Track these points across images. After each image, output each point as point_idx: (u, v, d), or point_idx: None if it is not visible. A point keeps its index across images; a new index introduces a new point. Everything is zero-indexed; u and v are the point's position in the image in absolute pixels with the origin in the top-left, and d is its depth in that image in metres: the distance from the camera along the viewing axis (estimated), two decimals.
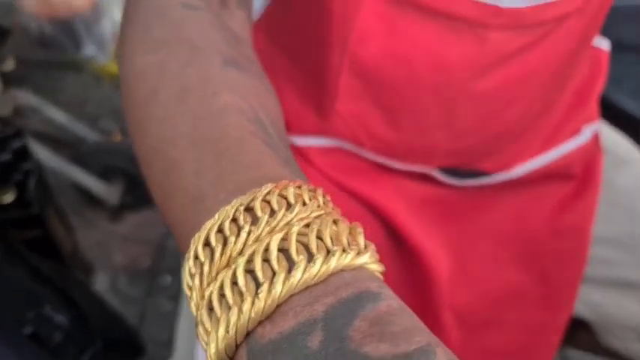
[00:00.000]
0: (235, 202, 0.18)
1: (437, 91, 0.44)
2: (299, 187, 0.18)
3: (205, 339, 0.16)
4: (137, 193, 1.18)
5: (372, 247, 0.17)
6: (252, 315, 0.15)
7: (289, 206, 0.17)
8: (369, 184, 0.52)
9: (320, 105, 0.48)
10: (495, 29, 0.40)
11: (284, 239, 0.16)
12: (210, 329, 0.15)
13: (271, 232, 0.16)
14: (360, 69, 0.43)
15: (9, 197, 0.77)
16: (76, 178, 1.08)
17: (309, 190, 0.18)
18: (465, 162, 0.53)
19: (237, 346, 0.15)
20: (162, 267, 1.13)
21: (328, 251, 0.16)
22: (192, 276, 0.17)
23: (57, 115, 1.11)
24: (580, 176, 0.56)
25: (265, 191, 0.18)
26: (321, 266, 0.15)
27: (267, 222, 0.16)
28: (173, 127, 0.24)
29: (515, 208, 0.56)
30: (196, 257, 0.17)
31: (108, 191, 1.14)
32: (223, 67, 0.28)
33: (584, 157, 0.56)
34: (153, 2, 0.31)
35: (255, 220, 0.17)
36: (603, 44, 0.56)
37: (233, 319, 0.15)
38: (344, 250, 0.16)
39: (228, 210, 0.17)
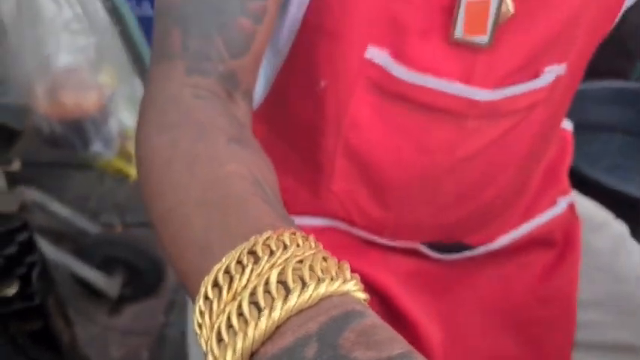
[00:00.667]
0: (239, 247, 0.21)
1: (422, 172, 0.49)
2: (294, 233, 0.22)
3: None
4: (137, 285, 1.19)
5: (357, 277, 0.20)
6: (256, 337, 0.18)
7: (285, 247, 0.20)
8: (360, 259, 0.55)
9: (315, 186, 0.52)
10: (473, 118, 0.45)
11: (282, 273, 0.19)
12: (219, 356, 0.18)
13: (271, 268, 0.19)
14: (352, 153, 0.48)
15: (12, 290, 0.79)
16: (77, 270, 1.10)
17: (303, 236, 0.22)
18: (450, 237, 0.56)
19: None
20: (161, 358, 1.11)
21: (319, 279, 0.19)
22: (202, 314, 0.20)
23: (60, 209, 1.15)
24: (561, 243, 0.59)
25: (265, 237, 0.21)
26: (313, 291, 0.18)
27: (268, 260, 0.20)
28: (185, 192, 0.28)
29: (500, 277, 0.58)
30: (206, 297, 0.20)
31: (108, 283, 1.15)
32: (228, 143, 0.32)
33: (562, 225, 0.59)
34: (167, 93, 0.35)
35: (257, 260, 0.20)
36: (567, 125, 0.62)
37: (239, 342, 0.18)
38: (332, 279, 0.19)
39: (234, 254, 0.20)
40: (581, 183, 0.65)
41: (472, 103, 0.44)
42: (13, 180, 1.06)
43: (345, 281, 0.19)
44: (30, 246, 0.83)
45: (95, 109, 0.97)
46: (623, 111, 1.51)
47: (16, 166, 1.11)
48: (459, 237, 0.57)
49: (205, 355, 0.19)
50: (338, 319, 0.18)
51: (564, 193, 0.60)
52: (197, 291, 0.21)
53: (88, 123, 0.96)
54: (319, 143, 0.49)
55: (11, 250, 0.80)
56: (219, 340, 0.19)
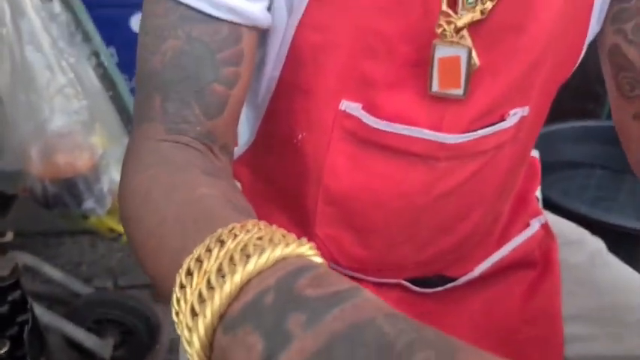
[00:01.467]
0: (208, 238, 0.23)
1: (400, 213, 0.51)
2: (257, 223, 0.24)
3: (188, 337, 0.20)
4: (130, 346, 1.17)
5: (313, 244, 0.23)
6: (223, 300, 0.19)
7: (248, 231, 0.23)
8: None
9: (299, 229, 0.54)
10: (444, 160, 0.48)
11: (244, 248, 0.21)
12: (192, 327, 0.20)
13: (235, 247, 0.22)
14: (333, 199, 0.50)
15: (3, 349, 0.78)
16: (68, 332, 1.08)
17: (266, 224, 0.24)
18: (431, 272, 0.58)
19: (214, 331, 0.20)
20: None
21: (275, 245, 0.21)
22: (178, 301, 0.22)
23: (52, 272, 1.15)
24: (540, 263, 0.60)
25: (231, 227, 0.23)
26: (270, 254, 0.20)
27: (232, 241, 0.22)
28: (163, 214, 0.30)
29: (484, 302, 0.59)
30: (181, 286, 0.22)
31: (100, 345, 1.13)
32: (202, 174, 0.35)
33: (539, 245, 0.61)
34: (147, 146, 0.38)
35: (223, 245, 0.22)
36: (534, 153, 0.65)
37: (208, 308, 0.19)
38: (288, 244, 0.21)
39: (203, 244, 0.23)
40: (568, 217, 0.67)
41: (442, 147, 0.47)
42: (5, 249, 1.07)
43: (300, 245, 0.21)
44: (21, 305, 0.83)
45: (87, 169, 1.00)
46: (598, 148, 1.57)
47: (9, 237, 1.12)
48: (439, 271, 0.58)
49: (180, 333, 0.21)
50: (293, 271, 0.20)
51: (536, 214, 0.62)
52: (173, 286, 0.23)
53: (81, 182, 0.98)
54: (302, 190, 0.51)
55: (2, 309, 0.80)
56: (194, 314, 0.20)
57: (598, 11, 0.48)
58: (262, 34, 0.44)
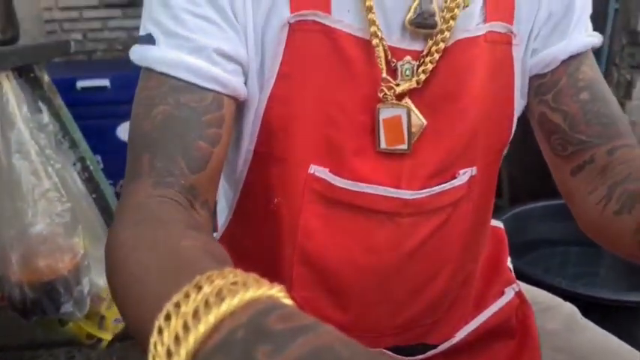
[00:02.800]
0: (187, 286, 0.25)
1: (372, 271, 0.54)
2: (233, 270, 0.26)
3: None
4: None
5: (283, 287, 0.24)
6: (198, 339, 0.21)
7: (225, 277, 0.25)
8: None
9: None
10: (406, 216, 0.52)
11: (219, 292, 0.23)
12: None
13: (212, 291, 0.23)
14: (307, 259, 0.53)
15: None
16: None
17: (243, 272, 0.26)
18: (412, 339, 0.59)
19: None
20: None
21: (247, 287, 0.23)
22: (155, 345, 0.23)
23: None
24: (518, 332, 0.62)
25: (209, 274, 0.25)
26: (242, 296, 0.22)
27: (209, 286, 0.24)
28: (146, 264, 0.32)
29: None
30: (160, 331, 0.23)
31: None
32: (185, 228, 0.37)
33: (515, 313, 0.63)
34: (135, 201, 0.41)
35: (200, 290, 0.24)
36: (499, 224, 0.69)
37: (182, 349, 0.21)
38: (259, 287, 0.23)
39: (182, 291, 0.24)
40: (551, 293, 0.69)
41: (403, 202, 0.51)
42: None
43: (271, 288, 0.24)
44: None
45: (68, 271, 1.00)
46: (572, 225, 1.61)
47: None
48: (419, 338, 0.59)
49: None
50: (263, 310, 0.22)
51: (509, 283, 0.64)
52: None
53: (60, 285, 0.97)
54: (278, 255, 0.54)
55: None
56: (169, 356, 0.22)
57: (519, 88, 0.55)
58: (239, 108, 0.50)
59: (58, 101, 1.11)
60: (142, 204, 0.41)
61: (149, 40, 0.46)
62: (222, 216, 0.60)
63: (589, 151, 0.51)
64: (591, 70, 0.54)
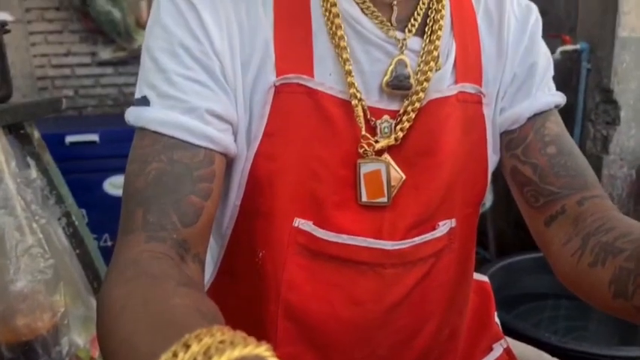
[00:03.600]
0: (176, 344, 0.25)
1: (356, 325, 0.54)
2: (221, 328, 0.26)
3: None
4: None
5: (270, 346, 0.25)
6: None
7: (213, 335, 0.25)
8: None
9: None
10: (389, 267, 0.53)
11: (207, 351, 0.23)
12: None
13: (199, 350, 0.24)
14: (292, 312, 0.53)
15: None
16: None
17: (230, 330, 0.26)
18: None
19: None
20: None
21: (234, 345, 0.23)
22: None
23: None
24: None
25: (197, 332, 0.25)
26: (229, 354, 0.22)
27: (197, 345, 0.24)
28: (137, 324, 0.32)
29: None
30: None
31: None
32: (176, 285, 0.37)
33: None
34: (128, 257, 0.42)
35: (188, 349, 0.24)
36: (484, 278, 0.70)
37: None
38: (246, 345, 0.23)
39: (171, 349, 0.24)
40: (541, 348, 0.69)
41: (385, 253, 0.53)
42: None
43: (257, 347, 0.24)
44: None
45: (47, 330, 0.97)
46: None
47: None
48: None
49: None
50: None
51: (497, 338, 0.64)
52: None
53: (38, 346, 0.94)
54: (263, 309, 0.54)
55: None
56: None
57: (492, 143, 0.58)
58: (228, 164, 0.51)
59: (47, 157, 1.12)
60: (134, 260, 0.41)
61: (144, 102, 0.48)
62: (208, 271, 0.60)
63: (560, 202, 0.53)
64: (556, 126, 0.57)
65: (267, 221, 0.52)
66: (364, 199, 0.52)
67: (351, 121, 0.50)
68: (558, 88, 0.60)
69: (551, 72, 0.60)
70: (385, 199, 0.52)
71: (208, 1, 0.48)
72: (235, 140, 0.50)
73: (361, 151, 0.51)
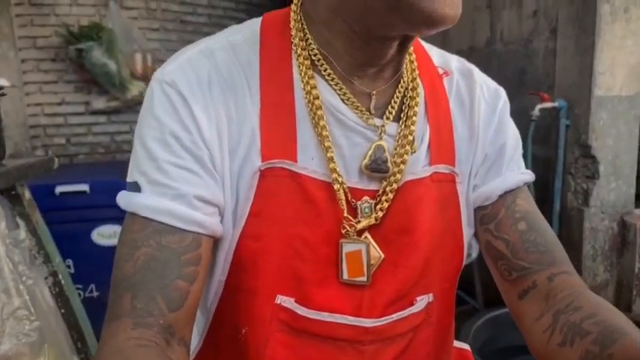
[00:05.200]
0: None
1: None
2: None
3: None
4: None
5: None
6: None
7: None
8: None
9: None
10: (368, 344, 0.55)
11: None
12: None
13: None
14: None
15: None
16: None
17: None
18: None
19: None
20: None
21: None
22: None
23: None
24: None
25: None
26: None
27: None
28: None
29: None
30: None
31: None
32: None
33: None
34: (114, 345, 0.43)
35: None
36: (465, 346, 0.72)
37: None
38: None
39: None
40: None
41: (364, 330, 0.54)
42: None
43: None
44: None
45: None
46: None
47: None
48: None
49: None
50: None
51: None
52: None
53: None
54: None
55: None
56: None
57: (466, 219, 0.60)
58: (215, 243, 0.53)
59: (36, 216, 1.13)
60: (120, 349, 0.43)
61: (135, 187, 0.50)
62: (194, 342, 0.61)
63: (531, 277, 0.56)
64: (526, 203, 0.60)
65: (251, 298, 0.54)
66: (345, 276, 0.54)
67: (333, 202, 0.53)
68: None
69: (520, 150, 0.64)
70: (364, 279, 0.54)
71: (199, 94, 0.51)
72: (222, 221, 0.53)
73: (343, 231, 0.53)
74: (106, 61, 2.55)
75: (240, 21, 0.50)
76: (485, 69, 0.66)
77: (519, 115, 2.17)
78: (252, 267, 0.53)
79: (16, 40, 2.58)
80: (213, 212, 0.51)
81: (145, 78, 2.76)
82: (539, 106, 1.88)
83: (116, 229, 2.14)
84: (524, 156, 2.04)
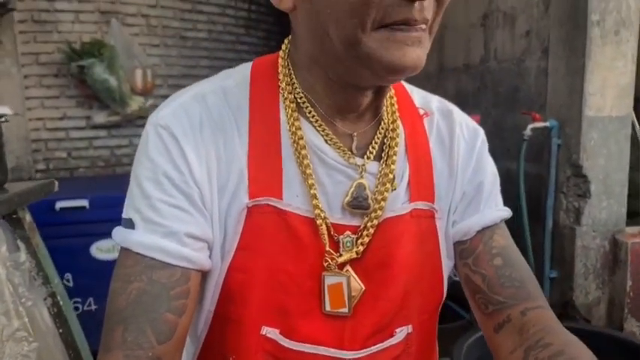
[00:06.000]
0: None
1: None
2: None
3: None
4: None
5: None
6: None
7: None
8: None
9: None
10: None
11: None
12: None
13: None
14: None
15: None
16: None
17: None
18: None
19: None
20: None
21: None
22: None
23: None
24: None
25: None
26: None
27: None
28: None
29: None
30: None
31: None
32: None
33: None
34: None
35: None
36: None
37: None
38: None
39: None
40: None
41: None
42: None
43: None
44: None
45: None
46: None
47: None
48: None
49: None
50: None
51: None
52: None
53: None
54: None
55: None
56: None
57: (445, 253, 0.63)
58: (204, 276, 0.56)
59: (37, 239, 1.16)
60: None
61: (130, 224, 0.53)
62: None
63: (506, 311, 0.58)
64: (503, 239, 0.63)
65: (237, 328, 0.56)
66: (327, 308, 0.57)
67: (316, 237, 0.56)
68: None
69: (498, 187, 0.67)
70: (346, 310, 0.57)
71: (191, 136, 0.54)
72: (210, 255, 0.56)
73: (325, 264, 0.56)
74: (107, 77, 2.60)
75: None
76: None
77: (512, 132, 2.22)
78: (239, 298, 0.56)
79: (19, 57, 2.62)
80: (202, 247, 0.54)
81: (145, 93, 2.81)
82: (530, 126, 1.92)
83: (114, 243, 2.17)
84: (517, 174, 2.06)
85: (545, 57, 2.04)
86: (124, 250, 0.53)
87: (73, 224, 2.14)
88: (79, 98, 2.78)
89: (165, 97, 0.61)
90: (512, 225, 0.67)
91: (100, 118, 2.80)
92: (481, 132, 0.67)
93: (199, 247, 0.54)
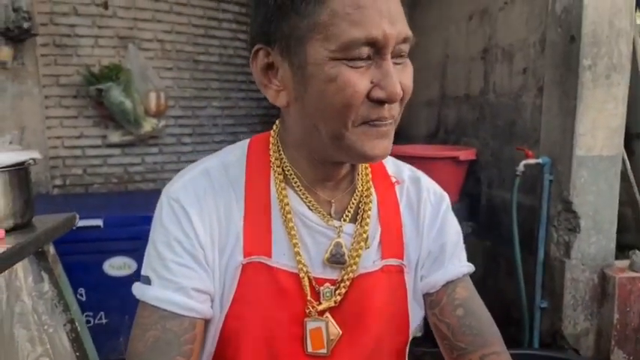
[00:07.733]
0: None
1: None
2: None
3: None
4: None
5: None
6: None
7: None
8: None
9: None
10: None
11: None
12: None
13: None
14: None
15: None
16: None
17: None
18: None
19: None
20: None
21: None
22: None
23: None
24: None
25: None
26: None
27: None
28: None
29: None
30: None
31: None
32: None
33: None
34: None
35: None
36: None
37: None
38: None
39: None
40: None
41: None
42: None
43: None
44: None
45: None
46: None
47: None
48: None
49: None
50: None
51: None
52: None
53: None
54: None
55: None
56: None
57: (413, 303, 0.73)
58: (206, 324, 0.66)
59: (59, 270, 1.28)
60: None
61: (147, 281, 0.64)
62: None
63: (467, 357, 0.68)
64: (465, 291, 0.73)
65: None
66: (309, 350, 0.67)
67: (300, 288, 0.66)
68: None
69: (462, 245, 0.76)
70: (325, 351, 0.67)
71: (197, 206, 0.65)
72: (212, 306, 0.66)
73: (307, 311, 0.66)
74: (123, 99, 2.72)
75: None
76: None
77: (509, 163, 2.31)
78: (235, 342, 0.66)
79: (40, 78, 2.76)
80: (206, 299, 0.65)
81: (158, 115, 2.93)
82: (523, 162, 2.00)
83: (126, 260, 2.29)
84: (510, 208, 2.12)
85: (541, 95, 2.13)
86: (142, 303, 0.64)
87: (88, 242, 2.25)
88: (95, 118, 2.92)
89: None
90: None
91: (115, 137, 2.93)
92: (446, 197, 0.78)
93: (203, 299, 0.65)
